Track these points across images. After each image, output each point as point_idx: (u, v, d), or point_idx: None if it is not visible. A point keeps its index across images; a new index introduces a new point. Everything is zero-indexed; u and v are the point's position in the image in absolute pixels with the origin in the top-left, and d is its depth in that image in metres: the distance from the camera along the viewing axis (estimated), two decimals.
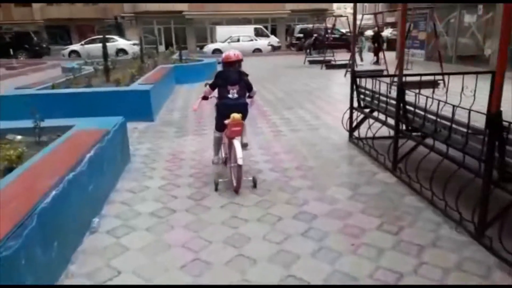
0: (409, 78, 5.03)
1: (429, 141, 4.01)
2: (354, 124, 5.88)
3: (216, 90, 4.37)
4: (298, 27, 28.99)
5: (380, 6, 52.35)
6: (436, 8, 15.27)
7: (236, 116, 4.02)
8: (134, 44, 26.31)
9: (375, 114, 5.42)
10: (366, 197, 3.94)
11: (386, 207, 3.68)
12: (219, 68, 4.89)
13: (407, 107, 4.39)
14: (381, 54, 17.59)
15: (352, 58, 6.92)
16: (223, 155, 4.73)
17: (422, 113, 4.06)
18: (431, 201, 3.70)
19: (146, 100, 7.39)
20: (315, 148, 5.67)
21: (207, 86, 4.41)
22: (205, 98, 4.48)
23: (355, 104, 5.86)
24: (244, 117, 4.20)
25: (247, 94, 4.47)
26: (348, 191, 4.10)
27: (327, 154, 5.41)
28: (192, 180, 4.51)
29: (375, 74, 6.93)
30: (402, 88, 4.28)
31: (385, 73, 13.48)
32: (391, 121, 4.73)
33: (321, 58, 19.46)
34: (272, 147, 5.78)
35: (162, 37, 33.35)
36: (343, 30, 29.06)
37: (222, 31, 29.64)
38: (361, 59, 17.89)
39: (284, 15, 33.18)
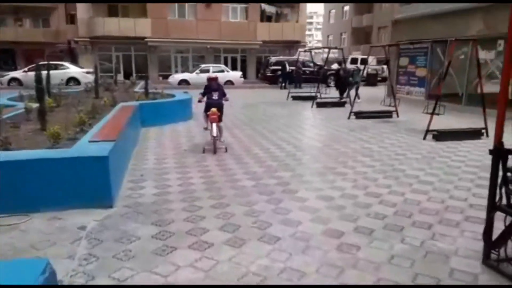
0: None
1: None
2: (496, 235, 3.25)
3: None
4: (274, 59, 26.94)
5: (345, 41, 52.52)
6: (439, 43, 13.54)
7: (213, 109, 7.07)
8: (87, 73, 22.97)
9: None
10: None
11: None
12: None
13: None
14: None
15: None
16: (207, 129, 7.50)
17: None
18: None
19: (102, 173, 4.44)
20: (423, 278, 2.99)
21: (200, 95, 7.60)
22: (199, 101, 7.61)
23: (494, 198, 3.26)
24: (220, 110, 7.22)
25: (223, 98, 7.46)
26: None
27: None
28: None
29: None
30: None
31: (395, 115, 11.51)
32: None
33: (307, 94, 17.29)
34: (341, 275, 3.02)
35: (121, 65, 30.17)
36: (319, 63, 27.44)
37: None
38: (358, 97, 15.79)
39: (256, 46, 31.21)
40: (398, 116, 11.74)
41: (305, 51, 20.21)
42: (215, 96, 7.31)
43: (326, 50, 19.37)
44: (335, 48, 16.50)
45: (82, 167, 4.38)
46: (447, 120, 9.72)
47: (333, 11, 56.82)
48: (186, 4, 29.80)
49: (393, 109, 11.80)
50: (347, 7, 52.51)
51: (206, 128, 7.58)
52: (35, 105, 7.26)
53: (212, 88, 7.40)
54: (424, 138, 8.40)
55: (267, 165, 6.32)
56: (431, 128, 9.32)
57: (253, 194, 4.94)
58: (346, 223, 4.08)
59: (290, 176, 5.72)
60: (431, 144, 7.96)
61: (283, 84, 24.59)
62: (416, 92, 16.13)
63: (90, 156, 4.43)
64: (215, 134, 7.02)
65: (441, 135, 8.23)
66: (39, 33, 35.00)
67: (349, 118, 11.51)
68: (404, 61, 16.56)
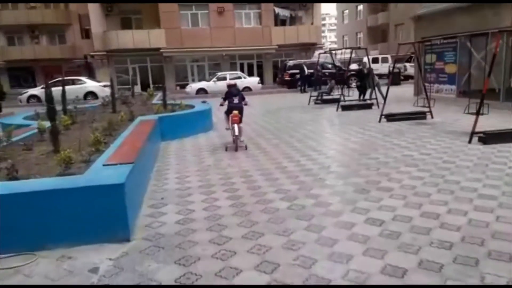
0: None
1: None
2: None
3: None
4: (291, 63, 26.29)
5: (361, 40, 51.46)
6: (477, 36, 12.64)
7: (235, 112, 7.90)
8: (105, 86, 22.84)
9: None
10: None
11: None
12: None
13: None
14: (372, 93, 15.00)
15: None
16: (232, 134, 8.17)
17: None
18: None
19: (117, 202, 3.89)
20: None
21: (222, 99, 8.53)
22: (221, 105, 8.52)
23: None
24: (240, 113, 8.03)
25: (243, 102, 8.28)
26: None
27: None
28: None
29: None
30: None
31: (429, 116, 10.65)
32: None
33: (330, 97, 16.56)
34: None
35: (138, 77, 30.05)
36: (338, 64, 26.64)
37: None
38: (383, 96, 14.96)
39: (271, 50, 30.66)
40: (432, 117, 10.91)
41: (325, 52, 19.48)
42: (235, 100, 8.22)
43: (344, 51, 18.62)
44: (359, 48, 15.70)
45: (94, 197, 3.83)
46: (488, 120, 8.86)
47: (347, 11, 55.90)
48: (199, 13, 29.55)
49: (427, 109, 10.98)
50: (360, 7, 51.55)
51: (228, 129, 8.50)
52: (49, 125, 6.83)
53: (233, 93, 8.30)
54: (470, 142, 7.59)
55: (300, 181, 5.67)
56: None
57: (289, 219, 4.29)
58: (406, 256, 3.39)
59: (328, 194, 5.05)
60: (479, 148, 7.15)
61: (303, 88, 23.92)
62: (446, 90, 15.20)
63: (103, 184, 3.87)
64: (236, 133, 7.93)
65: (489, 138, 7.41)
66: (56, 50, 35.40)
67: (379, 121, 10.75)
68: (431, 58, 15.64)
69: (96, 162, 4.92)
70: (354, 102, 14.63)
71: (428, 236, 3.74)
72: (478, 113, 7.69)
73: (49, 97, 5.86)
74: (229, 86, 8.65)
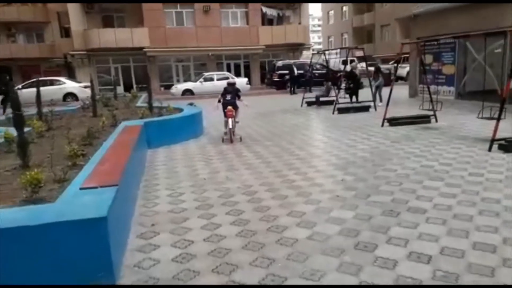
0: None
1: None
2: None
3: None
4: (280, 63, 25.56)
5: (347, 41, 51.22)
6: (493, 35, 12.10)
7: (229, 107, 8.78)
8: (85, 87, 21.64)
9: None
10: None
11: None
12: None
13: None
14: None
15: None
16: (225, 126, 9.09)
17: None
18: None
19: (98, 240, 3.02)
20: None
21: (220, 96, 9.23)
22: (219, 101, 9.16)
23: None
24: (234, 108, 8.89)
25: (237, 98, 9.10)
26: None
27: None
28: None
29: None
30: None
31: (434, 119, 10.00)
32: None
33: (324, 99, 15.88)
34: None
35: (120, 77, 28.85)
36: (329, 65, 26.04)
37: None
38: (380, 99, 14.40)
39: (259, 50, 29.87)
40: (437, 120, 10.30)
41: (318, 52, 18.80)
42: (228, 97, 9.10)
43: (333, 52, 18.00)
44: (356, 48, 15.06)
45: (68, 236, 2.95)
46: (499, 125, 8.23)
47: (332, 12, 55.66)
48: (184, 11, 28.57)
49: (431, 113, 10.36)
50: (346, 7, 51.34)
51: (224, 130, 9.27)
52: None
53: (227, 91, 9.20)
54: (490, 150, 6.94)
55: (315, 199, 4.88)
56: (485, 134, 7.93)
57: (314, 254, 3.49)
58: None
59: (353, 217, 4.26)
60: (502, 157, 6.50)
61: (292, 89, 23.21)
62: (444, 92, 14.69)
63: (79, 220, 2.99)
64: (231, 126, 8.84)
65: (511, 145, 6.78)
66: (34, 48, 33.77)
67: (382, 125, 10.07)
68: (428, 58, 15.12)
69: (72, 183, 4.03)
70: (350, 105, 13.95)
71: (493, 279, 2.99)
72: (499, 119, 7.04)
73: (16, 103, 4.91)
74: (228, 84, 9.59)
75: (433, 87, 15.68)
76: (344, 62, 23.54)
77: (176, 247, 3.76)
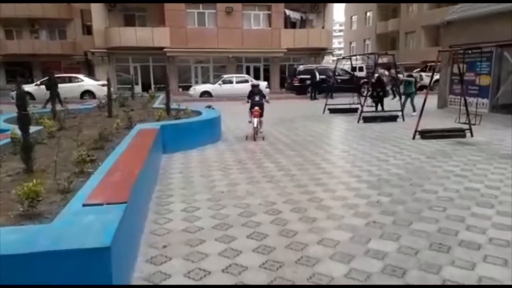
0: None
1: None
2: None
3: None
4: (301, 67, 24.97)
5: (370, 47, 50.21)
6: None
7: (256, 108, 9.30)
8: (103, 85, 21.48)
9: None
10: None
11: None
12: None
13: None
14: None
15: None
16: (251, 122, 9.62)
17: None
18: None
19: (98, 274, 2.50)
20: None
21: (247, 98, 9.82)
22: (247, 102, 9.72)
23: None
24: (261, 108, 9.44)
25: (263, 99, 9.67)
26: None
27: None
28: None
29: None
30: None
31: (469, 133, 9.13)
32: None
33: (346, 106, 15.22)
34: None
35: (139, 77, 28.71)
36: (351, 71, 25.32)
37: None
38: (414, 109, 13.65)
39: (280, 54, 29.34)
40: (472, 135, 9.55)
41: (344, 58, 18.14)
42: (257, 98, 9.62)
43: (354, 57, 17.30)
44: (385, 53, 14.33)
45: (62, 266, 2.44)
46: None
47: (355, 17, 54.77)
48: (206, 12, 28.27)
49: (466, 127, 9.62)
50: (369, 13, 50.40)
51: (250, 122, 9.70)
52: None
53: (255, 92, 9.72)
54: None
55: (350, 226, 4.28)
56: None
57: None
58: None
59: (396, 251, 3.65)
60: None
61: (313, 94, 22.58)
62: (477, 104, 13.85)
63: (76, 249, 2.47)
64: (255, 125, 9.40)
65: None
66: (55, 45, 34.05)
67: (414, 138, 9.39)
68: (460, 68, 14.29)
69: (76, 196, 3.54)
70: (376, 113, 13.26)
71: None
72: None
73: (21, 100, 4.46)
74: (253, 86, 10.19)
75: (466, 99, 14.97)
76: (361, 69, 22.55)
77: (189, 278, 3.23)
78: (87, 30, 32.91)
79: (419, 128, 9.63)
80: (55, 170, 4.33)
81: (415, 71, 31.49)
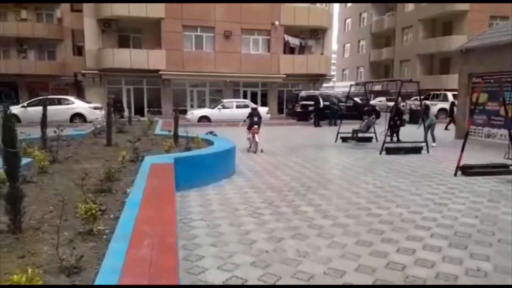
0: None
1: None
2: None
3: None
4: (304, 93, 24.16)
5: (363, 75, 50.18)
6: None
7: (255, 126, 11.34)
8: (95, 108, 20.23)
9: None
10: None
11: None
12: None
13: None
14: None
15: None
16: (249, 141, 11.66)
17: None
18: None
19: None
20: None
21: (247, 118, 11.77)
22: (245, 121, 11.94)
23: None
24: (258, 127, 11.51)
25: (259, 120, 11.65)
26: None
27: None
28: None
29: None
30: None
31: None
32: None
33: (360, 135, 14.20)
34: None
35: (132, 99, 27.44)
36: (356, 99, 24.60)
37: None
38: (433, 139, 12.73)
39: (279, 79, 28.57)
40: None
41: (357, 84, 17.31)
42: (255, 118, 11.47)
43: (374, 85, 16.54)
44: (410, 81, 13.45)
45: None
46: None
47: (348, 45, 55.08)
48: (204, 35, 27.49)
49: (509, 162, 8.64)
50: (363, 42, 50.68)
51: (249, 138, 11.61)
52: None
53: (253, 114, 11.62)
54: None
55: None
56: None
57: None
58: None
59: None
60: None
61: (317, 121, 21.64)
62: (501, 135, 13.03)
63: None
64: (257, 140, 11.28)
65: None
66: (44, 66, 32.83)
67: (455, 174, 8.33)
68: (482, 97, 13.54)
69: (91, 282, 2.28)
70: (399, 145, 12.26)
71: None
72: None
73: (10, 134, 3.21)
74: (252, 109, 12.38)
75: (486, 129, 14.15)
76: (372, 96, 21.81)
77: None
78: (78, 51, 31.84)
79: (463, 164, 8.57)
80: (57, 236, 3.02)
81: (412, 99, 31.02)
